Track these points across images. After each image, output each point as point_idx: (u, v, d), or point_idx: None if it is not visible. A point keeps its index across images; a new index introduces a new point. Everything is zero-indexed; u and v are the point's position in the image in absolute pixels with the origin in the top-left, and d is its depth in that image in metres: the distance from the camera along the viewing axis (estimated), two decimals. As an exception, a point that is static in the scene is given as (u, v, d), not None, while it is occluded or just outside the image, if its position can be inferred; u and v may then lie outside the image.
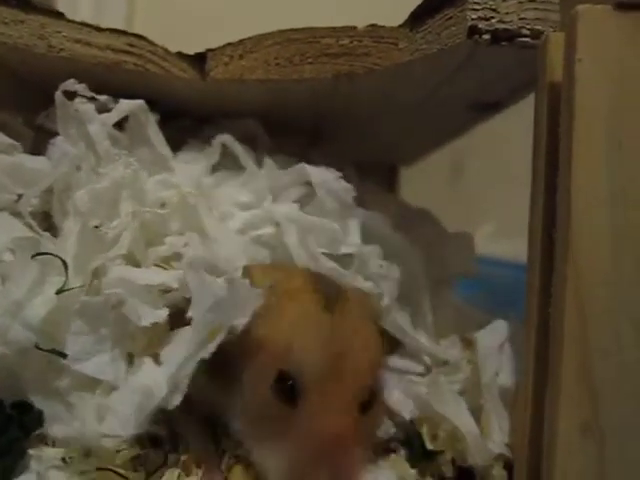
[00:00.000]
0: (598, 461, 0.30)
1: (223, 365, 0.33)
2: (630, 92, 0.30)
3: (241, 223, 0.40)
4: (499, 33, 0.35)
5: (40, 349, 0.32)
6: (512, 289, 0.40)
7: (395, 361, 0.46)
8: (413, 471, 0.35)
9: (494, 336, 0.38)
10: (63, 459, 0.31)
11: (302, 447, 0.30)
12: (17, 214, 0.38)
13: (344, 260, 0.41)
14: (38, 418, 0.32)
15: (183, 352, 0.31)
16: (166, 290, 0.34)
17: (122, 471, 0.31)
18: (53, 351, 0.32)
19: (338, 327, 0.34)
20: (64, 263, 0.34)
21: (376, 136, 0.60)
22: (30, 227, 0.37)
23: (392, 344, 0.49)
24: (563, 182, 0.31)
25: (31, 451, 0.32)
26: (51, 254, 0.34)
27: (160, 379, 0.31)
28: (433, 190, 0.71)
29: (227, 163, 0.46)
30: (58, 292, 0.33)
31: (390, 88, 0.44)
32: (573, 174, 0.30)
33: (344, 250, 0.41)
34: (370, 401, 0.34)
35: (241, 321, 0.31)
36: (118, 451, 0.31)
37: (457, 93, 0.46)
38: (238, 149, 0.45)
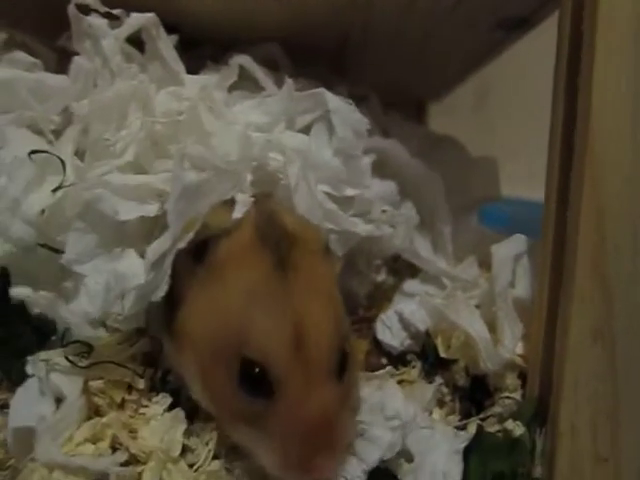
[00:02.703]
0: (609, 366, 0.30)
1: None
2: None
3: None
4: None
5: (42, 246, 0.32)
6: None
7: (415, 285, 0.46)
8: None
9: (510, 247, 0.38)
10: (67, 358, 0.32)
11: (290, 437, 0.29)
12: (39, 131, 0.39)
13: (346, 202, 0.39)
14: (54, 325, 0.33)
15: (162, 244, 0.31)
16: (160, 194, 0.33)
17: (125, 363, 0.33)
18: (50, 248, 0.33)
19: (293, 289, 0.31)
20: (62, 162, 0.34)
21: (400, 63, 0.59)
22: (50, 143, 0.38)
23: (412, 270, 0.48)
24: (584, 77, 0.30)
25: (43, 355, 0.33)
26: (48, 152, 0.34)
27: (138, 268, 0.31)
28: (458, 125, 0.70)
29: (248, 86, 0.46)
30: (55, 190, 0.33)
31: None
32: (595, 69, 0.29)
33: (348, 193, 0.39)
34: (343, 363, 0.31)
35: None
36: (119, 344, 0.33)
37: (481, 5, 0.44)
38: (256, 70, 0.45)
